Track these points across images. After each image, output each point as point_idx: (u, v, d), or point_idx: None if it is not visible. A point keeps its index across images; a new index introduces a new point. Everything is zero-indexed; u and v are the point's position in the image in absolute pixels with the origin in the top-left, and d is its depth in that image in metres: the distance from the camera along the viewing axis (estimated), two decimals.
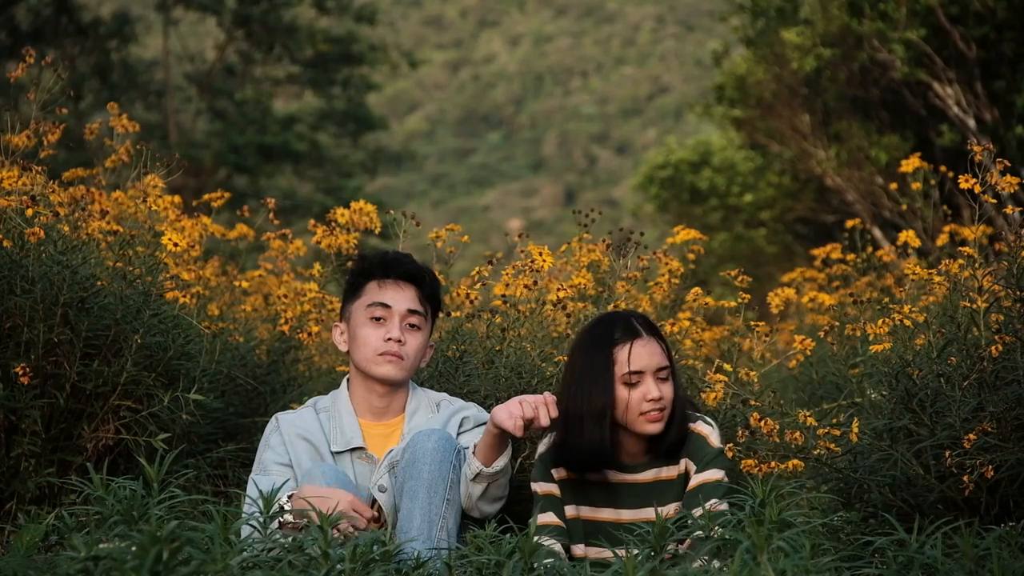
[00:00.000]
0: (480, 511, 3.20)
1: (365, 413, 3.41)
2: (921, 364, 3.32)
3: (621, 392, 3.19)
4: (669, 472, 3.25)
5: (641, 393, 3.18)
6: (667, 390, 3.20)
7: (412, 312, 3.41)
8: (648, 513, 3.19)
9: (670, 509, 3.19)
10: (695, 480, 3.19)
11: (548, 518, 3.20)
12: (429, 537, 3.07)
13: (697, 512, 2.76)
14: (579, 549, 3.22)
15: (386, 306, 3.40)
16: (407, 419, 3.41)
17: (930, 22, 12.16)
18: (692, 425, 3.25)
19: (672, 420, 3.22)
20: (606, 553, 3.12)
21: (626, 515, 3.23)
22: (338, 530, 3.01)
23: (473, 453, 3.17)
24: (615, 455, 3.23)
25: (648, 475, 3.25)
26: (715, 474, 3.17)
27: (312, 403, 3.46)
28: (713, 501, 3.07)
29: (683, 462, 3.23)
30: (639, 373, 3.18)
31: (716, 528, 2.56)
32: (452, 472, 3.15)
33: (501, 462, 3.15)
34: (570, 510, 3.24)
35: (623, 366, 3.18)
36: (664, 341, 3.27)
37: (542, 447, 3.31)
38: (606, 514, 3.25)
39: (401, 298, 3.41)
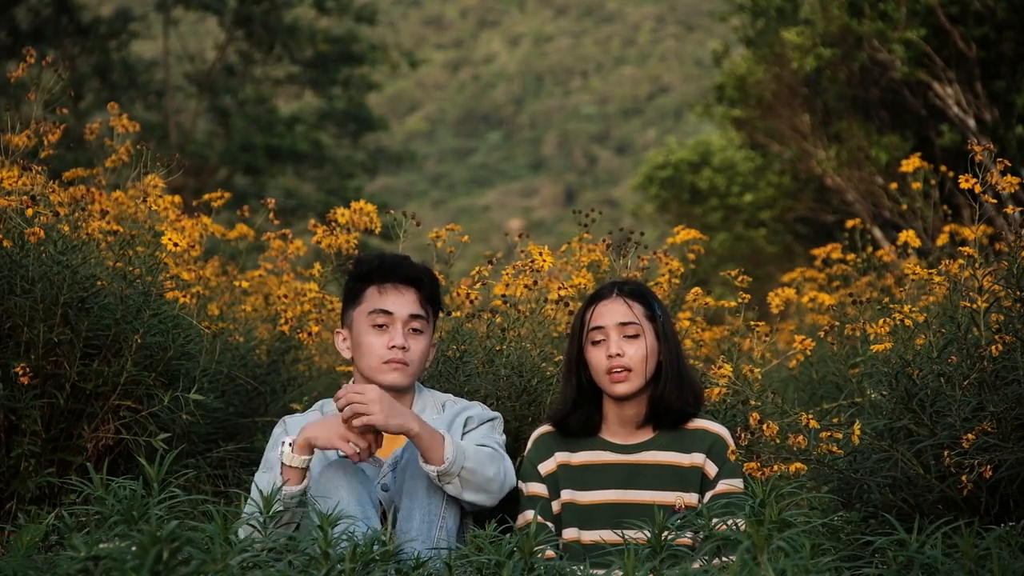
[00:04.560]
0: (472, 505, 3.16)
1: None
2: (921, 364, 3.31)
3: (590, 353, 3.24)
4: (671, 458, 3.21)
5: (604, 351, 3.21)
6: (631, 349, 3.20)
7: (414, 317, 3.38)
8: (647, 496, 3.17)
9: (668, 496, 3.18)
10: (724, 486, 3.14)
11: (530, 516, 3.18)
12: (429, 537, 3.06)
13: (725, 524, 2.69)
14: (572, 532, 3.20)
15: (388, 313, 3.37)
16: None
17: (930, 22, 12.16)
18: (708, 424, 3.25)
19: (660, 384, 3.20)
20: (604, 536, 3.12)
21: (615, 496, 3.20)
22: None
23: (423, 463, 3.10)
24: (599, 426, 3.26)
25: (646, 456, 3.23)
26: (739, 484, 3.14)
27: (319, 406, 3.45)
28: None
29: (699, 456, 3.19)
30: (600, 329, 3.23)
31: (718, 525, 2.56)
32: None
33: (449, 453, 3.06)
34: (565, 494, 3.22)
35: (587, 325, 3.26)
36: (644, 305, 3.26)
37: (530, 443, 3.31)
38: (599, 496, 3.22)
39: (402, 303, 3.38)
